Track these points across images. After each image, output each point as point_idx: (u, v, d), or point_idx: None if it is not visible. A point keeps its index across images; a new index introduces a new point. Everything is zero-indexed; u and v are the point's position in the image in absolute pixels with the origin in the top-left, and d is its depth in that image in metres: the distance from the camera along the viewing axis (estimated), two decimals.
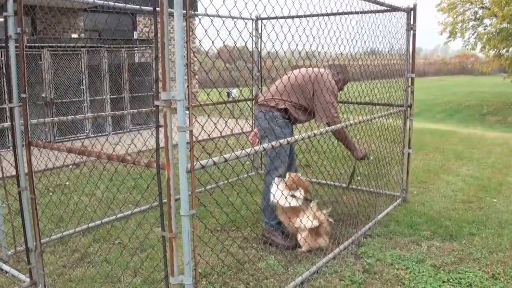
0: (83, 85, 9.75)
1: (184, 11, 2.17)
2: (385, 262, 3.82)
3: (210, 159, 2.55)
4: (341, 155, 4.41)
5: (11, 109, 3.23)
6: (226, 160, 2.69)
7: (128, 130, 10.40)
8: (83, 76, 9.70)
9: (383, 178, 5.21)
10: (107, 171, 5.33)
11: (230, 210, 4.53)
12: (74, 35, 12.75)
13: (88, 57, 9.80)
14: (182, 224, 2.28)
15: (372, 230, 4.49)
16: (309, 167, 6.05)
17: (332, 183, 5.48)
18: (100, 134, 9.91)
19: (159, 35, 2.19)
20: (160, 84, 2.27)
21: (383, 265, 3.77)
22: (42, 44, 8.97)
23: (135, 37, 14.65)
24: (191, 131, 2.32)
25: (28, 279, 3.49)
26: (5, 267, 3.76)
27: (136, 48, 11.20)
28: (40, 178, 5.75)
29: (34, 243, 3.34)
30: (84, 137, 9.58)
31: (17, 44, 3.12)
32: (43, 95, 9.10)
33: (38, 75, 9.01)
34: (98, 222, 4.54)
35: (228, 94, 10.45)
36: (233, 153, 2.77)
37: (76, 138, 9.45)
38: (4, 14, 3.18)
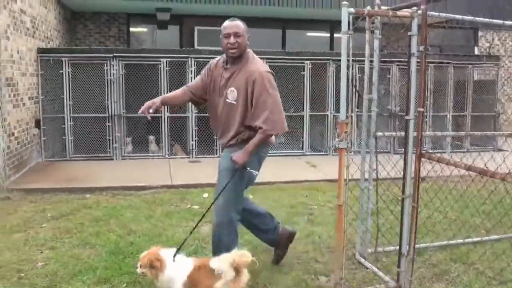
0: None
1: None
2: None
3: None
4: None
5: (406, 120, 3.48)
6: None
7: (466, 150, 9.85)
8: (429, 91, 9.65)
9: None
10: (485, 190, 5.06)
11: None
12: None
13: (434, 72, 9.79)
14: None
15: None
16: None
17: None
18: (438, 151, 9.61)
19: None
20: None
21: None
22: (392, 59, 9.41)
23: (476, 52, 13.94)
24: None
25: (392, 281, 3.67)
26: (366, 264, 4.04)
27: (479, 65, 10.58)
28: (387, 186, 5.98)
29: (407, 249, 3.50)
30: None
31: (418, 60, 3.37)
32: (389, 107, 9.52)
33: (386, 88, 9.49)
34: (459, 241, 4.46)
35: None
36: None
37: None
38: (409, 33, 3.51)
